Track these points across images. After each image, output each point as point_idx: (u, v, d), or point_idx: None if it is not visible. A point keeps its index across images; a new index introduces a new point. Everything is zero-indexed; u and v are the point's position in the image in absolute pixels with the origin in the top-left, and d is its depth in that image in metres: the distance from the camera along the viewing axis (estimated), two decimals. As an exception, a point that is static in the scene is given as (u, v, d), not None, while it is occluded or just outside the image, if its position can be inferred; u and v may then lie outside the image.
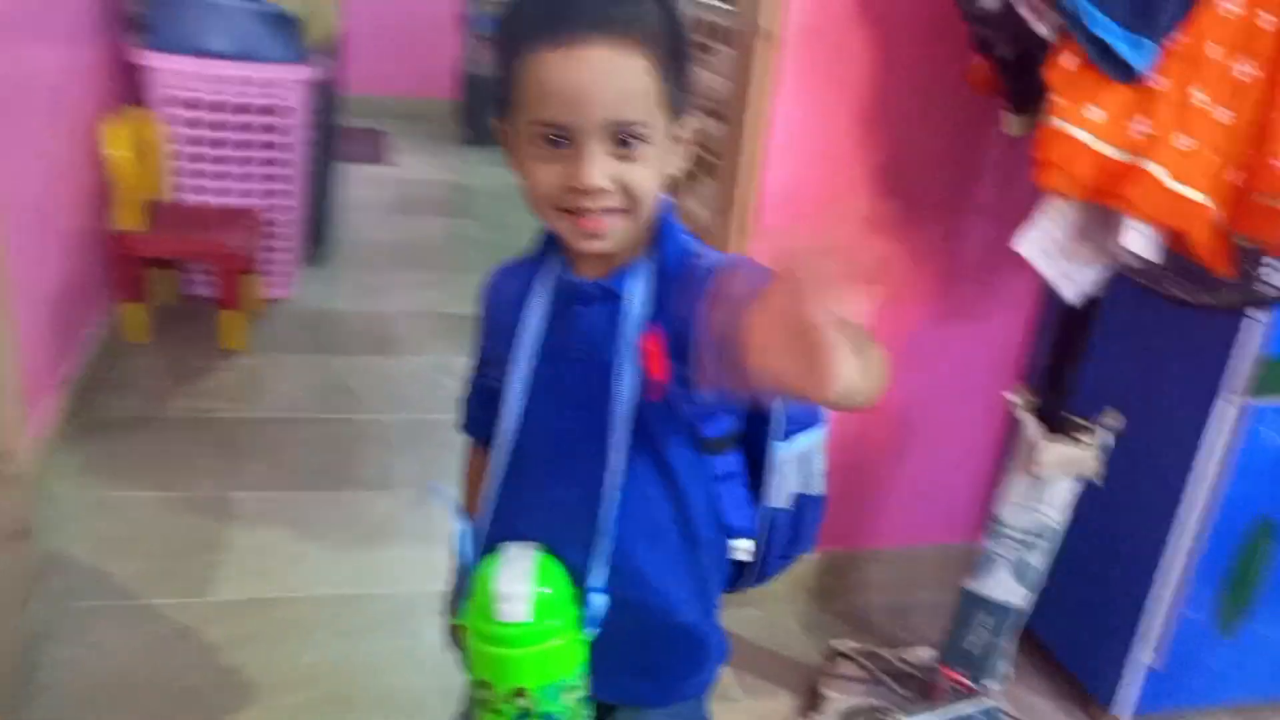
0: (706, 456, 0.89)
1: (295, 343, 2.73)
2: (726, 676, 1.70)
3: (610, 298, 0.84)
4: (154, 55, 2.60)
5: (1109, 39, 1.08)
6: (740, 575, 0.96)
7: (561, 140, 0.77)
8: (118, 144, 2.40)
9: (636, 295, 0.84)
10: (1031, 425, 1.42)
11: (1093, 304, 1.36)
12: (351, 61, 5.24)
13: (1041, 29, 1.14)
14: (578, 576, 0.86)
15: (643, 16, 0.78)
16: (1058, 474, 1.39)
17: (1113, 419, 1.41)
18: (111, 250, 2.48)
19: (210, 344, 2.60)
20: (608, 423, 0.84)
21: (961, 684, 1.54)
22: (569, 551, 0.86)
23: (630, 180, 0.79)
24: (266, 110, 2.70)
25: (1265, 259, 1.19)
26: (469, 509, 0.96)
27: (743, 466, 0.93)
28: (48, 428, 1.99)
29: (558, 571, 0.85)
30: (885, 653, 1.74)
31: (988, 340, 1.78)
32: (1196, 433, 1.48)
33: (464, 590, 0.88)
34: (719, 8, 1.88)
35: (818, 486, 0.97)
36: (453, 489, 0.99)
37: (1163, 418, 1.55)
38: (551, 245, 0.88)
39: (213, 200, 2.75)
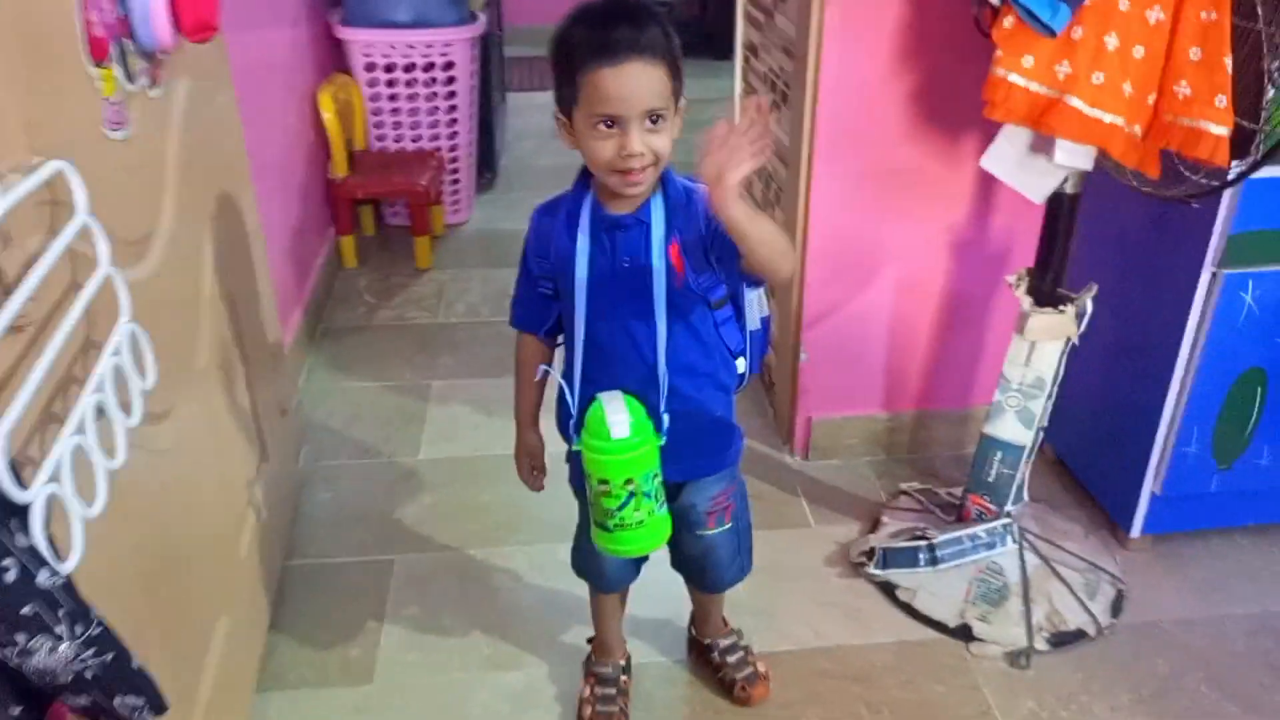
0: (714, 312, 1.36)
1: (473, 259, 3.32)
2: (802, 509, 2.15)
3: (641, 224, 1.29)
4: (351, 30, 3.16)
5: (1032, 6, 1.39)
6: (741, 379, 1.45)
7: (613, 124, 1.21)
8: (328, 106, 3.00)
9: (658, 220, 1.28)
10: (1025, 300, 1.76)
11: (1071, 198, 1.68)
12: (517, -5, 5.72)
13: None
14: (649, 406, 1.34)
15: (657, 38, 1.20)
16: (1044, 337, 1.73)
17: (1089, 291, 1.72)
18: (328, 194, 3.12)
19: (406, 264, 3.23)
20: (652, 305, 1.30)
21: (986, 508, 1.93)
22: (640, 390, 1.34)
23: (658, 146, 1.22)
24: (442, 66, 3.23)
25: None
26: (529, 382, 1.46)
27: (733, 313, 1.38)
28: (295, 335, 2.64)
29: (637, 404, 1.33)
30: (939, 489, 2.14)
31: (1018, 231, 2.08)
32: (1184, 300, 1.77)
33: (578, 425, 1.36)
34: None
35: (764, 312, 1.44)
36: (558, 371, 1.46)
37: (1155, 287, 1.84)
38: (583, 190, 1.32)
39: (402, 145, 3.33)
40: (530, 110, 4.71)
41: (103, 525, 0.95)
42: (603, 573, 1.60)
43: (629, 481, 1.32)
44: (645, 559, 1.57)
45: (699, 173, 1.17)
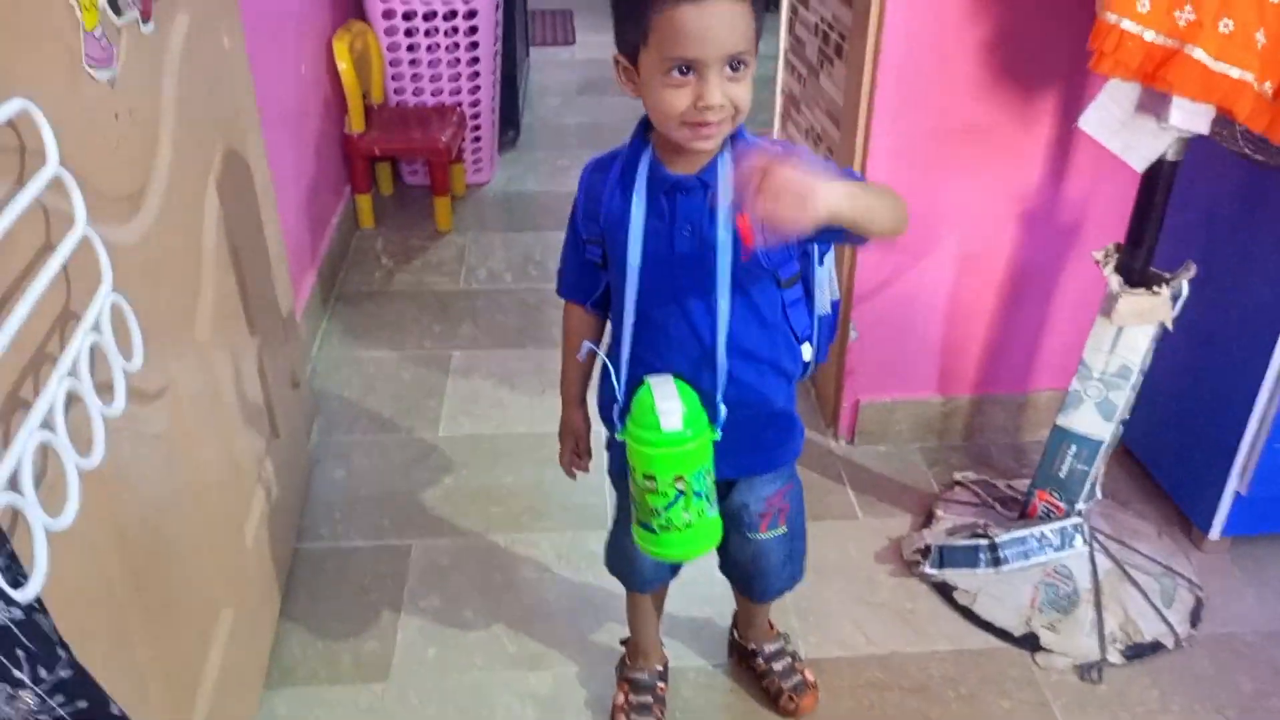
0: (783, 291, 1.20)
1: (495, 222, 3.15)
2: (848, 498, 2.00)
3: (705, 187, 1.12)
4: (367, -28, 2.98)
5: (1154, -65, 1.21)
6: (806, 368, 1.28)
7: (688, 70, 1.03)
8: (343, 56, 2.82)
9: (725, 184, 1.11)
10: (1113, 279, 1.59)
11: (1171, 166, 1.50)
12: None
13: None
14: (703, 393, 1.18)
15: None
16: (1134, 322, 1.57)
17: (1187, 271, 1.55)
18: (344, 150, 2.95)
19: (425, 226, 3.06)
20: (713, 280, 1.14)
21: (1054, 506, 1.77)
22: (693, 375, 1.19)
23: (737, 96, 1.05)
24: (465, 15, 3.03)
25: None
26: (574, 356, 1.30)
27: (804, 292, 1.22)
28: (307, 300, 2.48)
29: (690, 391, 1.17)
30: (997, 481, 1.98)
31: (1096, 201, 1.90)
32: (1288, 283, 1.60)
33: (623, 411, 1.21)
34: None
35: (834, 295, 1.28)
36: (601, 348, 1.30)
37: (1250, 267, 1.67)
38: (641, 145, 1.15)
39: (422, 99, 3.15)
40: (554, 67, 4.51)
41: (83, 522, 0.80)
42: (637, 571, 1.45)
43: (679, 479, 1.17)
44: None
45: (749, 223, 0.98)
